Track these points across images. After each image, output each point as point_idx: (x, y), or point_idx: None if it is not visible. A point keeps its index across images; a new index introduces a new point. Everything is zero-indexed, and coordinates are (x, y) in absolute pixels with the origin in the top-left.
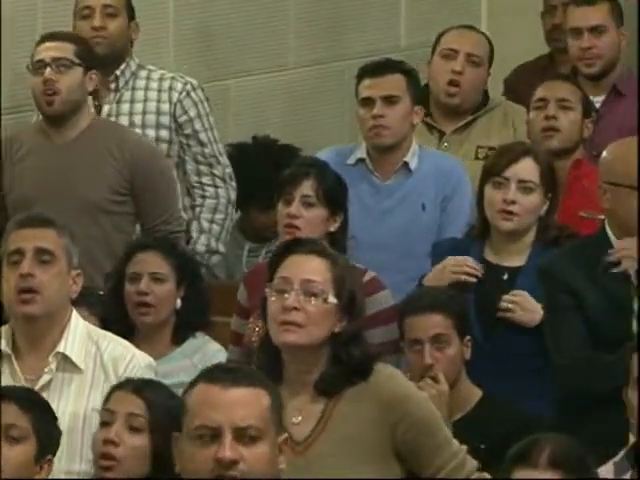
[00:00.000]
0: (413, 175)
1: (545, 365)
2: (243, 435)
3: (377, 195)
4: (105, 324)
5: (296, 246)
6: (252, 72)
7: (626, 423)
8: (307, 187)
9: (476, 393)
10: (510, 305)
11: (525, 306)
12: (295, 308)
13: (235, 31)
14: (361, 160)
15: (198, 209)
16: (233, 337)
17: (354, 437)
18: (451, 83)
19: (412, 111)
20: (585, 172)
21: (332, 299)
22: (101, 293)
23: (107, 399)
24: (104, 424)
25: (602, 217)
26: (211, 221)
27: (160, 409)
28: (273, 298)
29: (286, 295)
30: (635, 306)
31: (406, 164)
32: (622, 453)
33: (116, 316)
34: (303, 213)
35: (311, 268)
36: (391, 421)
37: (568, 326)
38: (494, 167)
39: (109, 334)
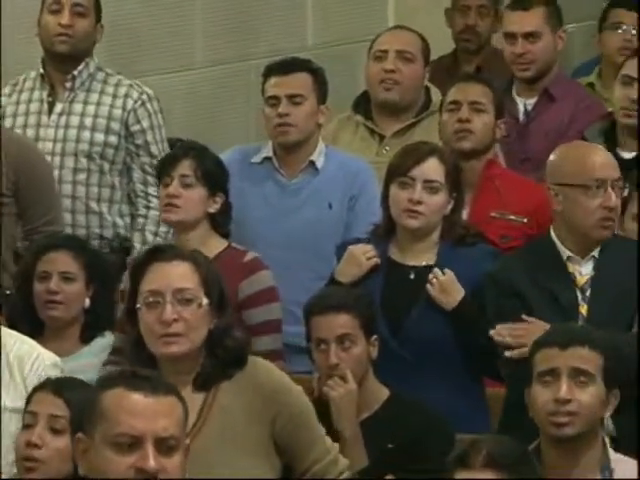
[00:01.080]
0: (320, 174)
1: (457, 368)
2: (163, 445)
3: (283, 194)
4: (12, 323)
5: (158, 253)
6: (158, 72)
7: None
8: (185, 167)
9: (384, 392)
10: (434, 280)
11: (445, 287)
12: (174, 320)
13: (141, 30)
14: (267, 159)
15: (141, 220)
16: (120, 325)
17: (235, 430)
18: (385, 82)
19: (318, 110)
20: (497, 172)
21: (205, 301)
22: (8, 292)
23: (28, 401)
24: (26, 426)
25: (512, 217)
26: (155, 234)
27: (80, 407)
28: (144, 310)
29: (160, 308)
30: None
31: (312, 163)
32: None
33: (24, 314)
34: (182, 193)
35: (179, 275)
36: (271, 414)
37: None
38: (399, 167)
39: (15, 333)
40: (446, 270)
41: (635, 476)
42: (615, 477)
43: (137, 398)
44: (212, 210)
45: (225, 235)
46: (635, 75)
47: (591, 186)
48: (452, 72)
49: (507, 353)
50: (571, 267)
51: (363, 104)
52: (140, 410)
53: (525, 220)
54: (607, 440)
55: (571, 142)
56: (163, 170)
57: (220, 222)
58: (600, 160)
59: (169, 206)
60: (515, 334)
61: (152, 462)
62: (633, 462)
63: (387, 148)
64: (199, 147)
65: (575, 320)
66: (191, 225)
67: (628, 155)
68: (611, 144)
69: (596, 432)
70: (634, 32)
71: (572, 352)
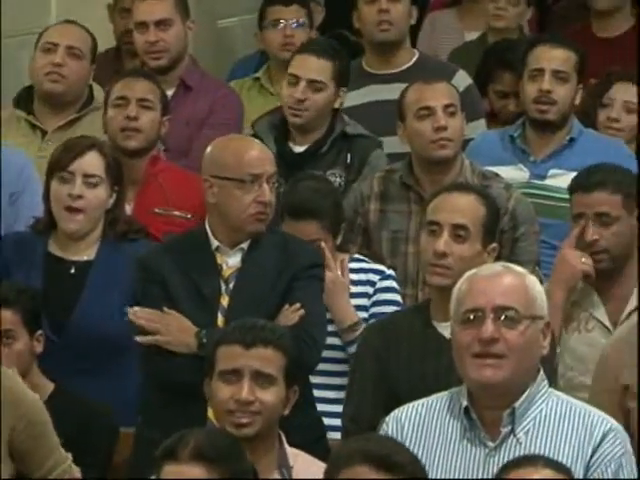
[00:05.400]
0: None
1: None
2: None
3: None
4: None
5: None
6: None
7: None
8: None
9: (48, 386)
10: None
11: None
12: None
13: None
14: None
15: None
16: None
17: None
18: (50, 74)
19: None
20: (161, 168)
21: None
22: None
23: None
24: None
25: (177, 213)
26: None
27: None
28: None
29: None
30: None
31: None
32: None
33: None
34: None
35: None
36: (10, 420)
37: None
38: (59, 162)
39: None
40: None
41: (314, 470)
42: (294, 472)
43: None
44: None
45: None
46: (300, 74)
47: (246, 181)
48: (116, 66)
49: (138, 338)
50: (219, 258)
51: (24, 99)
52: None
53: (189, 216)
54: (283, 437)
55: (228, 135)
56: None
57: None
58: (256, 155)
59: None
60: (150, 318)
61: None
62: (310, 458)
63: (49, 143)
64: None
65: (215, 312)
66: None
67: (299, 149)
68: (282, 138)
69: (274, 431)
70: (294, 26)
71: (255, 353)
